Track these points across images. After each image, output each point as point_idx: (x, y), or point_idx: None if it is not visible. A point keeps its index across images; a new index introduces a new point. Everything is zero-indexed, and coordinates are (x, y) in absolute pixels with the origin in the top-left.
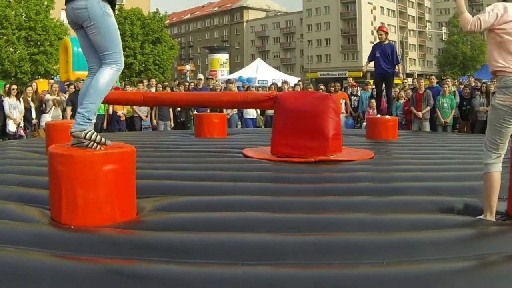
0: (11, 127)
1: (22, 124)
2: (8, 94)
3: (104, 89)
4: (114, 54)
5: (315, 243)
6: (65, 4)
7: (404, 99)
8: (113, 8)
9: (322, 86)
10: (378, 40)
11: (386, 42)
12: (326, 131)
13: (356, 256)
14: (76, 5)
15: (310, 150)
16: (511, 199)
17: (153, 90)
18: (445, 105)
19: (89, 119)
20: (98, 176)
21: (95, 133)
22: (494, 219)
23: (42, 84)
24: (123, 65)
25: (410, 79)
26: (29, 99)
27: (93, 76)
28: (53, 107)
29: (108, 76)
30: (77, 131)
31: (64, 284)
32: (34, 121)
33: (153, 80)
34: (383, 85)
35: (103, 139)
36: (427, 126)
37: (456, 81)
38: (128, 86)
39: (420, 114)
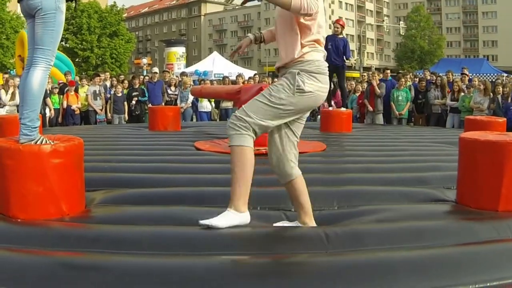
0: None
1: None
2: None
3: (39, 93)
4: (47, 51)
5: (260, 235)
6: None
7: (360, 92)
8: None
9: (271, 80)
10: (332, 33)
11: (341, 36)
12: None
13: (300, 245)
14: None
15: None
16: (459, 188)
17: (108, 83)
18: (400, 98)
19: (34, 127)
20: (46, 169)
21: (45, 139)
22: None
23: None
24: (52, 65)
25: (367, 73)
26: None
27: (28, 69)
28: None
29: (39, 78)
30: (26, 142)
31: (11, 276)
32: None
33: (107, 73)
34: (335, 78)
35: (54, 142)
36: (380, 118)
37: (411, 74)
38: (84, 80)
39: (370, 107)
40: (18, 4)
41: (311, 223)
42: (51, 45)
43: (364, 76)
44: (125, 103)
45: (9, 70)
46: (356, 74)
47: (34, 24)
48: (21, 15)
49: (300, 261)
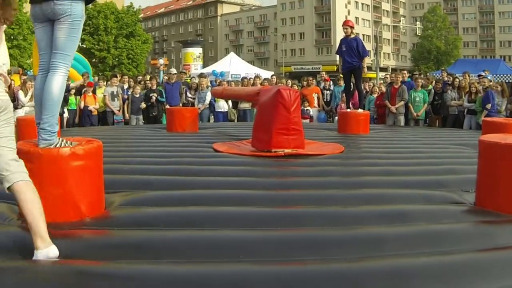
0: None
1: None
2: None
3: (58, 99)
4: (67, 57)
5: (283, 238)
6: (38, 2)
7: (378, 93)
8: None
9: (289, 81)
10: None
11: (352, 36)
12: (270, 125)
13: (323, 251)
14: (60, 2)
15: (261, 143)
16: (478, 191)
17: (125, 86)
18: (417, 99)
19: (53, 132)
20: (65, 172)
21: (64, 141)
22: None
23: (16, 78)
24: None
25: (383, 73)
26: None
27: (45, 73)
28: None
29: (59, 84)
30: (46, 147)
31: (30, 286)
32: None
33: (126, 76)
34: (352, 79)
35: (73, 143)
36: (402, 120)
37: (431, 76)
38: (101, 81)
39: (393, 108)
40: (30, 4)
41: (43, 245)
42: (72, 51)
43: (386, 77)
44: (143, 103)
45: (26, 71)
46: (372, 75)
47: (49, 28)
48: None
49: (317, 269)
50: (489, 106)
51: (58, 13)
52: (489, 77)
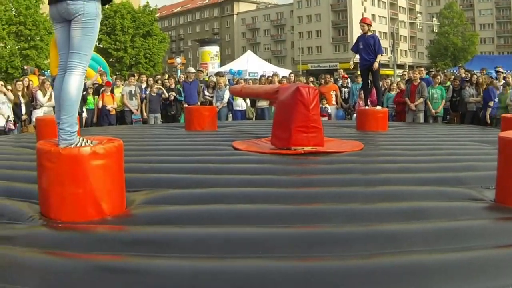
0: (0, 121)
1: (11, 118)
2: None
3: (76, 98)
4: (84, 56)
5: (303, 235)
6: (54, 3)
7: (396, 90)
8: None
9: (311, 79)
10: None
11: (369, 33)
12: (290, 123)
13: (343, 248)
14: (72, 2)
15: (280, 141)
16: (498, 187)
17: (143, 85)
18: (435, 95)
19: (73, 132)
20: (86, 171)
21: (84, 140)
22: None
23: (34, 78)
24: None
25: (401, 71)
26: (19, 94)
27: (63, 73)
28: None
29: (76, 83)
30: (66, 146)
31: (53, 280)
32: (24, 117)
33: (144, 76)
34: (370, 76)
35: (93, 142)
36: (421, 117)
37: (449, 73)
38: (118, 81)
39: (412, 105)
40: (48, 5)
41: None
42: (88, 51)
43: (404, 74)
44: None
45: (43, 71)
46: (389, 72)
47: (67, 28)
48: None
49: (336, 265)
50: (491, 103)
51: (72, 13)
52: (493, 74)
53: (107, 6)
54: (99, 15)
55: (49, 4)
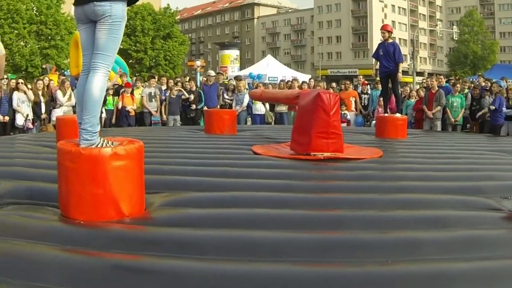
0: (19, 120)
1: (30, 117)
2: (16, 88)
3: (99, 99)
4: (108, 58)
5: (321, 241)
6: (80, 4)
7: (415, 98)
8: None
9: (333, 84)
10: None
11: (390, 41)
12: (310, 129)
13: (361, 254)
14: (100, 3)
15: (300, 146)
16: None
17: (164, 87)
18: (455, 104)
19: (95, 132)
20: (106, 172)
21: (105, 141)
22: None
23: (54, 77)
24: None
25: (420, 78)
26: (40, 93)
27: (87, 74)
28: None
29: (100, 84)
30: (87, 146)
31: (72, 278)
32: (43, 116)
33: (164, 78)
34: (390, 83)
35: (114, 143)
36: (438, 125)
37: (468, 82)
38: (138, 82)
39: (430, 113)
40: (73, 6)
41: None
42: (113, 52)
43: (424, 82)
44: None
45: (63, 71)
46: (409, 79)
47: (92, 29)
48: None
49: (354, 271)
50: (492, 107)
51: (99, 14)
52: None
53: (127, 7)
54: (125, 17)
55: (74, 5)
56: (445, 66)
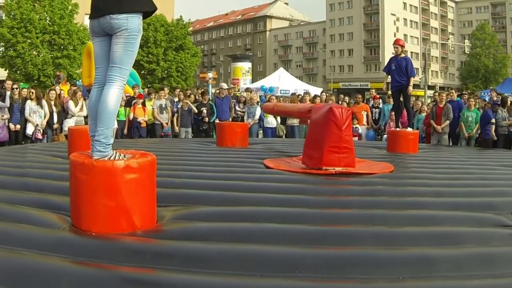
0: (29, 129)
1: (40, 127)
2: (30, 97)
3: (114, 111)
4: (124, 71)
5: (332, 257)
6: (96, 17)
7: (426, 112)
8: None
9: (346, 98)
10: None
11: (402, 55)
12: (322, 143)
13: (372, 270)
14: (116, 16)
15: (312, 161)
16: None
17: (176, 99)
18: (470, 119)
19: (108, 144)
20: (119, 185)
21: (117, 153)
22: None
23: (65, 88)
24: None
25: (432, 92)
26: (52, 103)
27: (100, 87)
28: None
29: (115, 97)
30: (100, 158)
31: None
32: (55, 126)
33: (177, 90)
34: (401, 98)
35: (126, 156)
36: (445, 140)
37: (479, 98)
38: (153, 95)
39: (439, 128)
40: (86, 16)
41: None
42: (129, 65)
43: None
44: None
45: (75, 81)
46: (420, 93)
47: (106, 42)
48: (88, 26)
49: (365, 287)
50: (493, 120)
51: (115, 27)
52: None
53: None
54: (141, 31)
55: (90, 18)
56: (456, 79)
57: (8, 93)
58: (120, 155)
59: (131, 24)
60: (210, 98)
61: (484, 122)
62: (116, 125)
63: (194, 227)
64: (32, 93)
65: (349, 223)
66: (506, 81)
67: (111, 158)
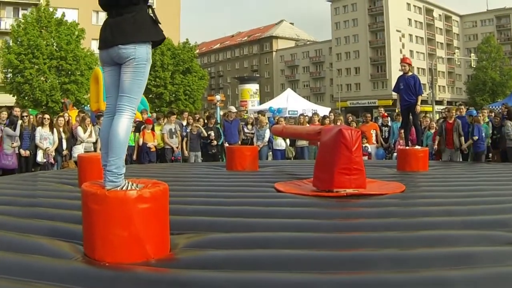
0: (39, 157)
1: (51, 151)
2: (41, 124)
3: (124, 141)
4: (134, 100)
5: (346, 282)
6: (105, 48)
7: (435, 128)
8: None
9: (351, 119)
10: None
11: (410, 74)
12: (332, 165)
13: None
14: (124, 46)
15: (322, 183)
16: None
17: (184, 123)
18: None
19: (120, 174)
20: (132, 215)
21: (130, 184)
22: None
23: (72, 113)
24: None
25: (440, 107)
26: (61, 129)
27: (110, 116)
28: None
29: (125, 127)
30: (112, 188)
31: None
32: (65, 152)
33: (186, 113)
34: (410, 116)
35: (139, 185)
36: (458, 155)
37: (488, 110)
38: (162, 119)
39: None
40: (93, 41)
41: None
42: (138, 94)
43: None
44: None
45: (83, 106)
46: (428, 108)
47: (116, 72)
48: (95, 51)
49: None
50: (475, 137)
51: (123, 57)
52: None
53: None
54: (150, 60)
55: (99, 48)
56: (464, 93)
57: (19, 122)
58: (133, 184)
59: (139, 53)
60: (218, 121)
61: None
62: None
63: (208, 255)
64: (45, 119)
65: (361, 246)
66: None
67: (124, 188)
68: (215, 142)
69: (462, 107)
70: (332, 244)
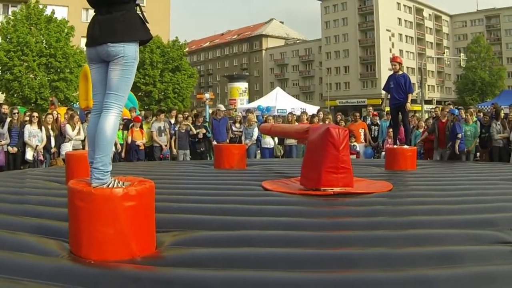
0: (29, 155)
1: (40, 149)
2: (29, 121)
3: (111, 139)
4: (121, 97)
5: (332, 281)
6: (93, 45)
7: (424, 128)
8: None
9: (339, 117)
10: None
11: (400, 72)
12: (320, 164)
13: None
14: (113, 45)
15: (310, 182)
16: None
17: (173, 121)
18: (469, 133)
19: (106, 172)
20: (118, 212)
21: (116, 181)
22: None
23: (61, 111)
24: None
25: (429, 106)
26: (49, 127)
27: (98, 114)
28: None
29: (112, 124)
30: (98, 186)
31: None
32: (53, 150)
33: (174, 111)
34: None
35: (125, 183)
36: (448, 154)
37: (476, 108)
38: (150, 117)
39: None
40: (82, 39)
41: None
42: (125, 92)
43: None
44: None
45: (72, 103)
46: (417, 107)
47: (103, 69)
48: (85, 49)
49: None
50: (460, 135)
51: (112, 55)
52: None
53: (140, 47)
54: (137, 58)
55: (87, 45)
56: (453, 93)
57: (8, 119)
58: (119, 182)
59: (128, 51)
60: (207, 119)
61: (452, 136)
62: (114, 149)
63: (193, 253)
64: (34, 116)
65: (348, 245)
66: (503, 93)
67: (110, 186)
68: (201, 134)
69: (451, 106)
70: (319, 243)
